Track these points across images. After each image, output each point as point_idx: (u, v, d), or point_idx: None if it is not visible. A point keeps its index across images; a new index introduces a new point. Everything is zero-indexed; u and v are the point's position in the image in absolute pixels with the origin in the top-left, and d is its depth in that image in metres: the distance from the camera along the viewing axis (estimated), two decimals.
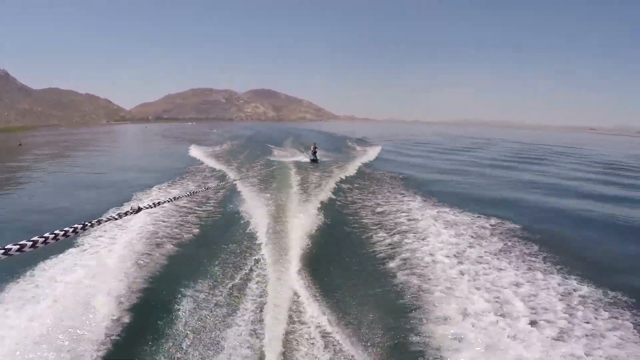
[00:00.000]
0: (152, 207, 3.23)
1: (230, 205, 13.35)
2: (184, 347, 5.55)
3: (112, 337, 5.60)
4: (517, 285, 7.18)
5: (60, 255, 8.13)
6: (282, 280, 7.40)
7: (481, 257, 8.55)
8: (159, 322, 6.12)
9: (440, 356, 5.29)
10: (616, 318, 6.18)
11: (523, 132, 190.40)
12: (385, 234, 10.39)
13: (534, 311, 6.24)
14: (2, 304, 6.27)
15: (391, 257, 8.79)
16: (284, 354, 5.33)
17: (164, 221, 10.89)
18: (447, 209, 12.88)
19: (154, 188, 16.09)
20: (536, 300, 6.61)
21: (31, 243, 1.71)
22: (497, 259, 8.49)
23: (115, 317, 6.00)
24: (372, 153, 32.73)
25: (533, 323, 5.88)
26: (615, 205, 16.66)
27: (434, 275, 7.70)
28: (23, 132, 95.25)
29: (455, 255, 8.58)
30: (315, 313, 6.30)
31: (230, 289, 7.16)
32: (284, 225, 10.69)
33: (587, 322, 5.98)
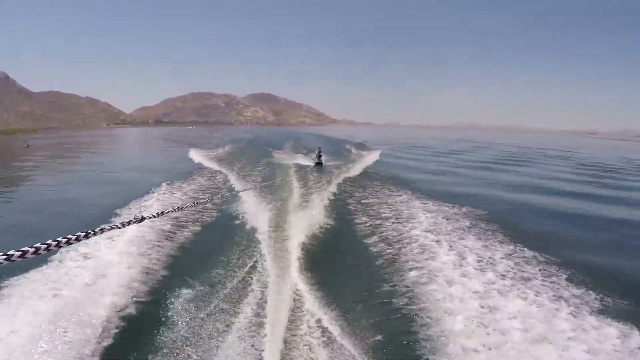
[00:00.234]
0: (155, 217, 3.18)
1: (231, 207, 13.52)
2: (186, 348, 5.59)
3: (112, 338, 5.64)
4: (475, 249, 9.39)
5: (61, 256, 8.09)
6: (282, 279, 7.51)
7: (454, 231, 10.91)
8: (159, 322, 6.19)
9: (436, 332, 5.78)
10: (529, 265, 8.71)
11: (522, 135, 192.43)
12: (382, 231, 11.00)
13: (481, 263, 8.47)
14: (2, 303, 6.30)
15: (388, 252, 9.38)
16: (284, 353, 5.41)
17: (164, 223, 10.89)
18: (430, 202, 14.98)
19: (158, 189, 16.22)
20: (485, 258, 8.81)
21: (33, 250, 1.70)
22: (464, 232, 10.96)
23: (115, 317, 6.05)
24: (371, 157, 33.58)
25: (481, 270, 8.09)
26: (574, 199, 19.18)
27: (425, 261, 8.58)
28: (23, 135, 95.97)
29: (434, 233, 10.53)
30: (316, 312, 6.43)
31: (230, 290, 7.25)
32: (284, 226, 10.87)
33: (517, 268, 8.41)
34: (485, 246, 9.71)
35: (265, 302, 6.68)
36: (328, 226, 11.47)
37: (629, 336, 5.73)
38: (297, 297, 6.91)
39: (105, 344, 5.46)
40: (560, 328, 5.85)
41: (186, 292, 7.18)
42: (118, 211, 12.62)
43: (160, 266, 8.23)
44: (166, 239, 9.79)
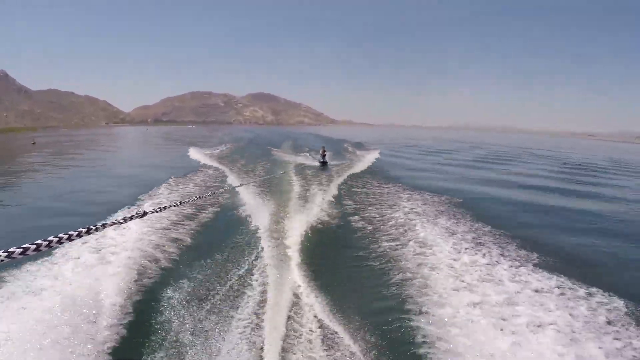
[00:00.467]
0: (157, 212, 3.18)
1: (231, 205, 13.65)
2: (186, 344, 5.65)
3: (112, 334, 5.68)
4: (449, 228, 11.44)
5: (61, 254, 8.04)
6: (282, 277, 7.59)
7: (431, 212, 13.42)
8: (160, 319, 6.25)
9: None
10: (485, 236, 11.02)
11: (518, 136, 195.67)
12: (379, 227, 11.71)
13: (453, 241, 10.14)
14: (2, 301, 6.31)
15: (384, 247, 9.98)
16: (284, 350, 5.48)
17: (165, 218, 11.01)
18: (416, 193, 17.27)
19: (160, 187, 16.53)
20: (455, 233, 10.88)
21: (35, 247, 1.68)
22: (439, 213, 13.49)
23: (115, 314, 6.07)
24: (370, 157, 34.30)
25: (454, 244, 9.82)
26: (538, 190, 21.79)
27: (405, 233, 10.43)
28: (24, 133, 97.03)
29: (419, 218, 12.37)
30: (315, 308, 6.59)
31: (231, 286, 7.34)
32: (285, 223, 11.07)
33: (476, 236, 10.70)
34: (455, 223, 12.12)
35: (265, 299, 6.76)
36: (326, 223, 11.87)
37: (550, 278, 7.98)
38: (297, 295, 7.01)
39: (104, 343, 5.44)
40: (499, 274, 8.04)
41: (187, 288, 7.19)
42: (121, 207, 12.99)
43: (162, 262, 8.28)
44: (168, 234, 9.89)
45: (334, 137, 67.70)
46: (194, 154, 32.67)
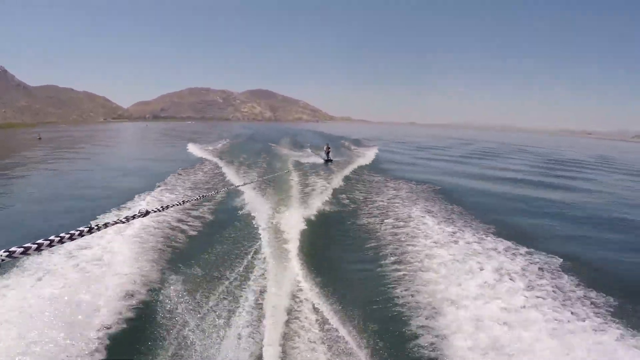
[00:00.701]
0: (159, 211, 3.18)
1: (234, 202, 13.79)
2: (187, 342, 5.69)
3: (113, 333, 5.71)
4: (431, 211, 13.39)
5: (60, 253, 8.00)
6: (282, 275, 7.69)
7: (412, 198, 15.71)
8: (160, 317, 6.29)
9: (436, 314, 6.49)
10: (454, 214, 13.55)
11: (514, 134, 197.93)
12: (378, 221, 12.17)
13: (437, 226, 11.45)
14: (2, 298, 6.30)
15: (383, 242, 10.34)
16: (284, 345, 5.56)
17: (167, 216, 11.05)
18: (402, 182, 19.45)
19: (161, 183, 16.76)
20: (437, 217, 12.58)
21: (36, 246, 1.68)
22: (418, 198, 15.78)
23: (115, 317, 6.06)
24: (370, 153, 35.15)
25: (439, 223, 11.59)
26: (512, 182, 24.00)
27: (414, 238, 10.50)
28: (21, 129, 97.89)
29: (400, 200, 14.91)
30: (315, 304, 6.70)
31: (232, 283, 7.41)
32: (285, 221, 11.08)
33: (449, 217, 12.82)
34: (431, 204, 14.65)
35: (265, 296, 6.87)
36: (326, 218, 12.41)
37: (502, 241, 10.04)
38: (297, 290, 7.15)
39: (104, 343, 5.48)
40: (467, 246, 9.72)
41: (188, 287, 7.25)
42: (122, 204, 13.07)
43: (163, 260, 8.35)
44: (169, 233, 9.99)
45: (334, 134, 69.48)
46: (195, 150, 33.48)
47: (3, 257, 1.53)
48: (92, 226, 2.10)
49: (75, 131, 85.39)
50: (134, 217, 2.69)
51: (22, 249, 1.60)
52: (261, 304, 6.63)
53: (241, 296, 6.93)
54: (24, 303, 6.01)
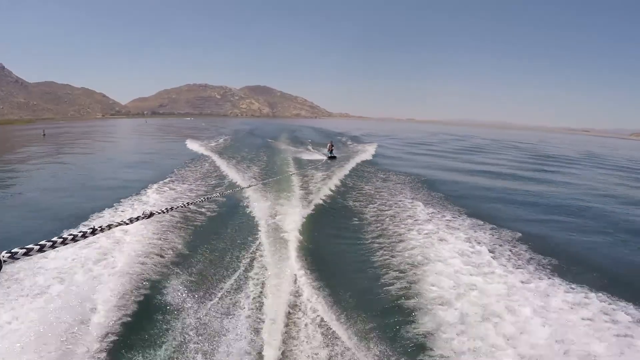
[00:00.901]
0: (164, 213, 3.15)
1: (236, 202, 13.80)
2: (187, 340, 5.73)
3: (113, 332, 5.76)
4: (421, 199, 15.13)
5: (62, 253, 8.04)
6: (283, 271, 7.84)
7: (398, 187, 17.64)
8: (160, 317, 6.35)
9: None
10: (435, 199, 15.64)
11: (516, 132, 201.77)
12: (374, 218, 12.62)
13: (427, 215, 12.93)
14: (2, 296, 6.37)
15: (382, 239, 10.63)
16: (284, 346, 5.63)
17: (170, 219, 11.11)
18: (415, 189, 19.95)
19: (162, 182, 16.81)
20: (428, 208, 13.82)
21: (38, 247, 1.69)
22: (404, 186, 18.14)
23: (115, 316, 6.09)
24: (370, 149, 35.39)
25: (430, 214, 12.77)
26: (496, 175, 25.84)
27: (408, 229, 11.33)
28: (19, 126, 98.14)
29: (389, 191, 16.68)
30: (314, 302, 6.79)
31: (232, 283, 7.52)
32: (284, 221, 11.19)
33: (431, 202, 14.65)
34: (415, 193, 16.71)
35: (265, 296, 6.97)
36: (325, 215, 12.69)
37: (499, 236, 11.33)
38: (296, 289, 7.28)
39: (105, 339, 5.55)
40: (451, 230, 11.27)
41: (189, 287, 7.29)
42: (122, 201, 13.31)
43: (164, 260, 8.41)
44: (170, 233, 10.05)
45: (333, 130, 70.79)
46: (196, 146, 33.84)
47: (5, 258, 1.51)
48: (96, 227, 2.12)
49: (74, 127, 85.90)
50: (137, 218, 2.71)
51: (24, 250, 1.60)
52: (261, 304, 6.75)
53: (241, 296, 7.02)
54: (24, 303, 6.13)
